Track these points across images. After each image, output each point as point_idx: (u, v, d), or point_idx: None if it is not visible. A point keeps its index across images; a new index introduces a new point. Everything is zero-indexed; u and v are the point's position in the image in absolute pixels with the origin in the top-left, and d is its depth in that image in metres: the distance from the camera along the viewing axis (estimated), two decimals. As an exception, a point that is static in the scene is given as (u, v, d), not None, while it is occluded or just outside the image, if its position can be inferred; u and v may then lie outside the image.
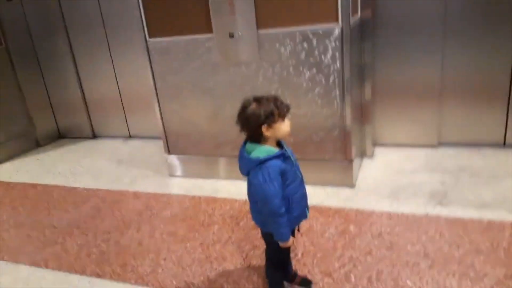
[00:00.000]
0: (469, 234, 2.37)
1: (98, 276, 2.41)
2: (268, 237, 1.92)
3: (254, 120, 1.72)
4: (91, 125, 4.84)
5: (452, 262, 2.18)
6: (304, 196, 1.91)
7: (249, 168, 1.78)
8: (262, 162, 1.72)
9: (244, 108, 1.76)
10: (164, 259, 2.48)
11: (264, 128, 1.73)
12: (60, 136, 5.00)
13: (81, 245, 2.73)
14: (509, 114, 3.26)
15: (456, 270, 2.12)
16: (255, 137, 1.77)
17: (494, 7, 3.04)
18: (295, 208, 1.83)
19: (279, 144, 1.85)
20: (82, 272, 2.46)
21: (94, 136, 4.88)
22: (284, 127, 1.77)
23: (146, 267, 2.44)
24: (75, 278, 2.42)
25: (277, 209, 1.73)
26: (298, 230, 1.99)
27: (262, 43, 2.86)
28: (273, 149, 1.77)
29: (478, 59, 3.21)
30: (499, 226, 2.42)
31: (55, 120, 4.93)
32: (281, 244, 1.83)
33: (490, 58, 3.17)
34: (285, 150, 1.82)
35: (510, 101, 3.23)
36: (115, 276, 2.39)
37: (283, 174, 1.75)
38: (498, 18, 3.06)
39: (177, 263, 2.43)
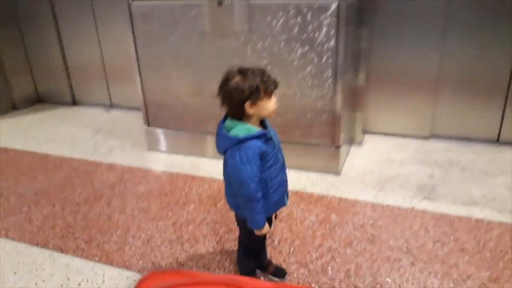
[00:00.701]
0: (455, 232, 2.26)
1: (61, 250, 2.26)
2: (242, 222, 1.78)
3: (237, 95, 1.55)
4: (72, 91, 4.62)
5: (435, 260, 2.06)
6: (284, 182, 1.76)
7: (226, 147, 1.62)
8: (240, 142, 1.57)
9: (226, 80, 1.58)
10: (133, 237, 2.34)
11: (247, 105, 1.56)
12: (39, 100, 4.77)
13: (46, 216, 2.57)
14: (506, 110, 3.13)
15: (439, 269, 2.01)
16: (236, 113, 1.61)
17: (500, -4, 2.88)
18: (274, 194, 1.69)
19: (262, 123, 1.69)
20: (44, 245, 2.31)
21: (75, 103, 4.66)
22: (269, 105, 1.61)
23: (112, 244, 2.29)
24: (35, 251, 2.26)
25: (253, 194, 1.58)
26: (275, 217, 1.85)
27: (252, 13, 2.67)
28: (254, 128, 1.61)
29: (479, 51, 3.05)
30: (487, 225, 2.31)
31: (34, 83, 4.70)
32: (256, 232, 1.69)
33: (491, 51, 3.02)
34: (268, 131, 1.66)
35: (508, 96, 3.09)
36: (78, 252, 2.24)
37: (262, 156, 1.60)
38: (502, 8, 2.89)
39: (146, 242, 2.29)
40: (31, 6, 4.29)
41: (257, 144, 1.58)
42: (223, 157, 1.69)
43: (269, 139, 1.64)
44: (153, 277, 1.31)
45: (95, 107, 4.52)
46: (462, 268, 2.01)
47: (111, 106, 4.49)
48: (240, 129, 1.59)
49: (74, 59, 4.47)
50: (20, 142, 3.68)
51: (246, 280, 1.67)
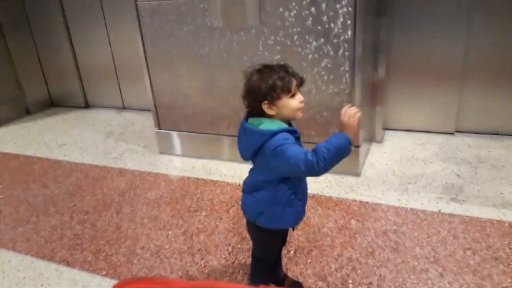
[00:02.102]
0: (487, 238, 2.07)
1: (67, 264, 2.17)
2: (257, 235, 1.65)
3: (254, 95, 1.44)
4: (84, 94, 4.56)
5: (466, 271, 1.89)
6: (306, 190, 1.62)
7: (258, 145, 1.43)
8: (275, 134, 1.40)
9: (248, 80, 1.48)
10: (142, 248, 2.23)
11: (265, 106, 1.43)
12: (52, 104, 4.74)
13: (54, 226, 2.49)
14: (539, 101, 2.90)
15: (471, 281, 1.83)
16: (258, 115, 1.47)
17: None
18: (299, 203, 1.55)
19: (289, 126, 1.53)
20: (51, 258, 2.22)
21: (87, 105, 4.61)
22: (292, 104, 1.44)
23: (120, 256, 2.19)
24: (41, 265, 2.18)
25: (310, 162, 1.35)
26: (293, 229, 1.71)
27: (263, 5, 2.51)
28: (284, 124, 1.47)
29: (506, 40, 2.82)
30: (523, 230, 2.11)
31: (47, 87, 4.66)
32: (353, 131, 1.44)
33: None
34: (297, 130, 1.51)
35: (541, 86, 2.86)
36: (85, 265, 2.14)
37: None
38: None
39: (155, 254, 2.18)
40: (41, 9, 4.25)
41: (291, 138, 1.42)
42: (247, 163, 1.53)
43: (298, 139, 1.50)
44: (125, 286, 1.19)
45: (107, 109, 4.45)
46: (497, 279, 1.83)
47: (124, 108, 4.41)
48: (271, 123, 1.44)
49: (86, 62, 4.41)
50: (32, 148, 3.64)
51: (224, 285, 1.52)
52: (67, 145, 3.64)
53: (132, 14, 2.87)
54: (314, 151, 1.38)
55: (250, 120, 1.49)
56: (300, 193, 1.54)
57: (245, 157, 1.53)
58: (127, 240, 2.30)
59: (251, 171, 1.58)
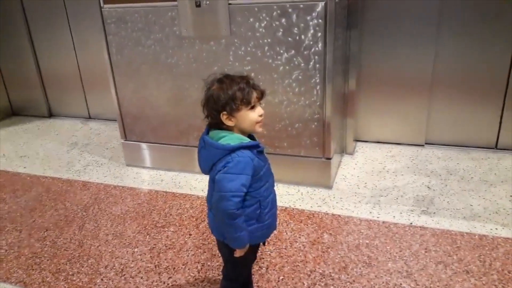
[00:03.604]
0: (458, 251, 2.08)
1: (24, 285, 2.03)
2: (227, 253, 1.57)
3: (213, 105, 1.40)
4: (47, 103, 4.36)
5: (438, 285, 1.87)
6: (275, 202, 1.57)
7: (215, 159, 1.40)
8: (233, 151, 1.37)
9: (208, 89, 1.43)
10: (106, 267, 2.11)
11: (223, 117, 1.38)
12: (13, 113, 4.51)
13: (11, 244, 2.33)
14: (504, 115, 2.96)
15: (444, 296, 1.82)
16: (217, 126, 1.44)
17: (497, -7, 2.71)
18: (267, 216, 1.50)
19: (250, 138, 1.49)
20: (7, 279, 2.08)
21: (51, 114, 4.41)
22: (251, 116, 1.41)
23: (82, 275, 2.06)
24: (-4, 287, 2.03)
25: (232, 210, 1.37)
26: (264, 244, 1.65)
27: (233, 15, 2.47)
28: (246, 138, 1.43)
29: (475, 53, 2.88)
30: (492, 242, 2.13)
31: (7, 95, 4.43)
32: (238, 251, 1.48)
33: (487, 52, 2.85)
34: (259, 143, 1.46)
35: (506, 100, 2.93)
36: (44, 286, 2.01)
37: (254, 171, 1.40)
38: (498, 7, 2.72)
39: (120, 273, 2.06)
40: (2, 15, 4.05)
41: (250, 155, 1.38)
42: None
43: (261, 152, 1.45)
44: None
45: (72, 119, 4.28)
46: (469, 293, 1.83)
47: (89, 117, 4.25)
48: (232, 138, 1.40)
49: (49, 69, 4.22)
50: (-11, 159, 3.44)
51: None
52: (28, 157, 3.45)
53: (97, 21, 2.77)
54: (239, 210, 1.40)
55: (211, 132, 1.45)
56: (267, 206, 1.49)
57: (204, 171, 1.50)
58: (90, 258, 2.18)
59: (210, 186, 1.52)
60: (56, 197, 2.79)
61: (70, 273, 2.08)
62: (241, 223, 1.41)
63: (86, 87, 4.13)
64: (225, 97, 1.37)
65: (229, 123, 1.40)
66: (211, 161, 1.42)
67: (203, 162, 1.48)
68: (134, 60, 2.80)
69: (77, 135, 3.86)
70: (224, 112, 1.38)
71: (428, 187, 2.65)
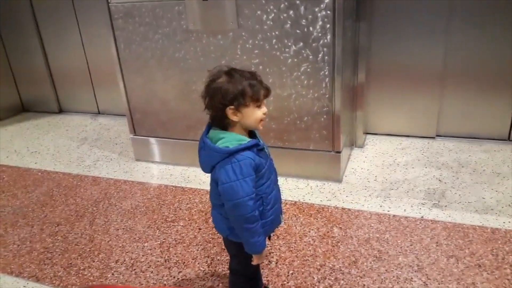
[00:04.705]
0: (470, 245, 2.05)
1: (37, 279, 2.05)
2: (233, 249, 1.57)
3: (219, 98, 1.36)
4: (57, 99, 4.39)
5: (450, 279, 1.85)
6: (279, 197, 1.56)
7: (215, 162, 1.40)
8: (232, 154, 1.35)
9: (212, 80, 1.39)
10: (116, 261, 2.12)
11: (229, 111, 1.36)
12: (24, 109, 4.55)
13: (23, 239, 2.36)
14: (517, 105, 2.91)
15: (455, 290, 1.80)
16: (219, 120, 1.41)
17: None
18: (270, 212, 1.48)
19: (251, 134, 1.48)
20: (19, 273, 2.10)
21: (61, 110, 4.44)
22: (256, 114, 1.40)
23: (93, 270, 2.08)
24: (9, 281, 2.05)
25: (251, 213, 1.37)
26: (269, 239, 1.64)
27: (241, 8, 2.45)
28: (244, 138, 1.40)
29: (486, 43, 2.82)
30: (504, 235, 2.09)
31: (18, 92, 4.47)
32: (255, 258, 1.47)
33: (498, 42, 2.79)
34: (259, 140, 1.45)
35: (519, 90, 2.87)
36: (55, 280, 2.03)
37: (256, 169, 1.39)
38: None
39: (131, 267, 2.08)
40: (11, 12, 4.07)
41: (250, 155, 1.37)
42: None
43: (261, 150, 1.43)
44: None
45: (81, 114, 4.31)
46: (481, 287, 1.80)
47: (99, 112, 4.27)
48: (229, 140, 1.38)
49: (59, 66, 4.24)
50: (1, 155, 3.47)
51: None
52: (38, 153, 3.49)
53: (105, 16, 2.76)
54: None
55: (211, 133, 1.43)
56: (270, 203, 1.47)
57: (205, 171, 1.49)
58: (101, 253, 2.19)
59: (212, 185, 1.51)
60: (67, 192, 2.81)
61: (82, 267, 2.10)
62: (259, 227, 1.41)
63: (95, 82, 4.14)
64: (234, 91, 1.35)
65: (234, 118, 1.38)
66: (211, 163, 1.42)
67: (203, 163, 1.48)
68: (142, 55, 2.80)
69: (87, 131, 3.88)
70: (232, 107, 1.36)
71: (440, 180, 2.62)
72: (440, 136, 3.14)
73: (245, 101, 1.36)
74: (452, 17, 2.80)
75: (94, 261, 2.14)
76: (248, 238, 1.42)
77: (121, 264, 2.10)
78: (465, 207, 2.34)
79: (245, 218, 1.37)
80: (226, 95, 1.35)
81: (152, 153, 3.13)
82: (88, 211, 2.57)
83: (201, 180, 2.82)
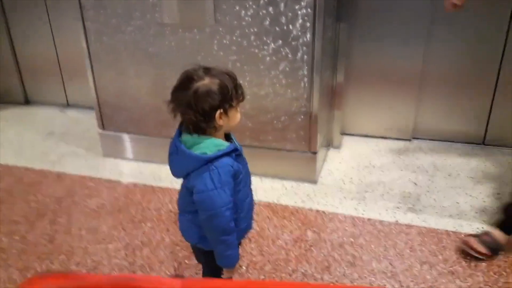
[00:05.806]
0: (443, 251, 2.02)
1: (-12, 283, 1.91)
2: (201, 257, 1.49)
3: (208, 102, 1.23)
4: (24, 89, 4.17)
5: (423, 286, 1.83)
6: (252, 205, 1.48)
7: (190, 169, 1.30)
8: (210, 161, 1.25)
9: (189, 81, 1.26)
10: (77, 264, 2.01)
11: (217, 115, 1.25)
12: (-13, 100, 4.32)
13: (-23, 238, 2.21)
14: (492, 111, 2.92)
15: (429, 298, 1.76)
16: (202, 124, 1.27)
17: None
18: (243, 220, 1.41)
19: (226, 136, 1.39)
20: (-30, 276, 1.95)
21: (27, 102, 4.23)
22: (238, 115, 1.33)
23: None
24: (-42, 284, 1.91)
25: (227, 224, 1.29)
26: (239, 245, 1.56)
27: (218, 3, 2.35)
28: (223, 143, 1.30)
29: (465, 48, 2.80)
30: (478, 241, 2.07)
31: (-19, 81, 4.24)
32: (226, 271, 1.39)
33: (477, 47, 2.77)
34: (237, 144, 1.36)
35: (495, 96, 2.88)
36: (10, 284, 1.89)
37: (235, 175, 1.30)
38: (489, 1, 2.65)
39: (92, 270, 1.96)
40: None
41: (229, 162, 1.28)
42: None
43: (238, 155, 1.34)
44: (34, 282, 1.04)
45: (50, 106, 4.11)
46: (454, 295, 1.77)
47: (68, 105, 4.09)
48: (208, 146, 1.27)
49: (26, 54, 4.02)
50: (-41, 148, 3.27)
51: (143, 278, 1.36)
52: (0, 146, 3.30)
53: (75, 6, 2.62)
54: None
55: (184, 137, 1.31)
56: (244, 210, 1.39)
57: (177, 177, 1.39)
58: (61, 254, 2.07)
59: (182, 190, 1.42)
60: (28, 188, 2.65)
61: (39, 270, 1.97)
62: (234, 240, 1.33)
63: (64, 73, 3.96)
64: (225, 93, 1.25)
65: (220, 122, 1.27)
66: (185, 170, 1.32)
67: (175, 168, 1.38)
68: (114, 47, 2.66)
69: (54, 124, 3.70)
70: (221, 110, 1.26)
71: (415, 183, 2.60)
72: (417, 138, 3.13)
73: (233, 102, 1.27)
74: (432, 22, 2.77)
75: (53, 264, 2.01)
76: (223, 251, 1.34)
77: (82, 267, 1.98)
78: (439, 212, 2.32)
79: (222, 229, 1.29)
80: (215, 97, 1.24)
81: (121, 150, 3.00)
82: (50, 209, 2.43)
83: (173, 179, 2.70)
